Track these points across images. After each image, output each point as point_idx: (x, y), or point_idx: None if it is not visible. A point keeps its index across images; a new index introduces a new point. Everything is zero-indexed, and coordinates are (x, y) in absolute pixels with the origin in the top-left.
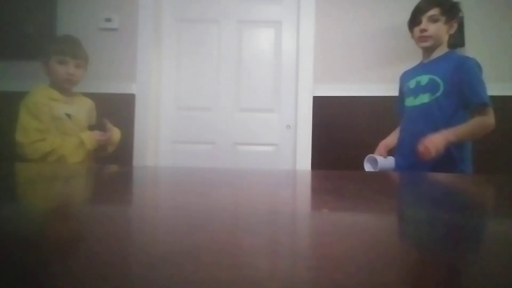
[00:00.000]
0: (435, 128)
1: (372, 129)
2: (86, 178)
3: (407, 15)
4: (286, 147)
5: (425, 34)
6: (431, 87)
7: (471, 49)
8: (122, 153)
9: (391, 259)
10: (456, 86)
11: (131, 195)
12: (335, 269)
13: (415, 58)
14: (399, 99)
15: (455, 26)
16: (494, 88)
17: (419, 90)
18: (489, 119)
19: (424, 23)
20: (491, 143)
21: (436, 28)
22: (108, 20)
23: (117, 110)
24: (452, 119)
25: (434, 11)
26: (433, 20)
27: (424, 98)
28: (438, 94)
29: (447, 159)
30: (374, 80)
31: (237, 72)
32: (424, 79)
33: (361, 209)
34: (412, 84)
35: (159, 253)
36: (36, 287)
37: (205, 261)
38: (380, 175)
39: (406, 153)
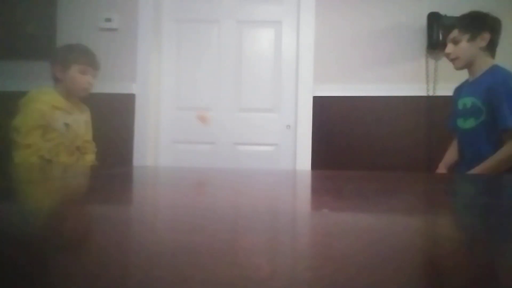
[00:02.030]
0: (480, 155)
1: (372, 129)
2: (86, 178)
3: (406, 15)
4: (286, 147)
5: (450, 57)
6: (475, 112)
7: None
8: (122, 153)
9: (391, 259)
10: (493, 110)
11: (131, 195)
12: (335, 269)
13: (414, 58)
14: (451, 116)
15: (486, 38)
16: None
17: (466, 113)
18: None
19: (448, 47)
20: None
21: (459, 49)
22: (108, 20)
23: (117, 110)
24: (498, 143)
25: (454, 33)
26: (455, 41)
27: (470, 123)
28: (482, 118)
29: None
30: (374, 80)
31: (237, 72)
32: (468, 102)
33: (361, 209)
34: (460, 105)
35: (159, 252)
36: (36, 287)
37: (205, 261)
38: (380, 176)
39: (462, 171)
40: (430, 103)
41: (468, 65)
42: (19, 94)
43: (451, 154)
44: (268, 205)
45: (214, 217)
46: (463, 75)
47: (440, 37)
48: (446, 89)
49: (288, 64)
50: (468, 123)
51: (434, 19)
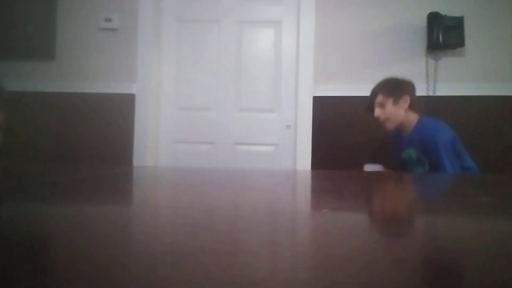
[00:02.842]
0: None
1: (372, 129)
2: (86, 178)
3: (406, 15)
4: (286, 147)
5: (380, 120)
6: (420, 162)
7: (471, 49)
8: (122, 153)
9: (391, 259)
10: (433, 160)
11: (131, 195)
12: (335, 269)
13: (414, 58)
14: (393, 155)
15: (407, 99)
16: (494, 88)
17: (413, 163)
18: None
19: (376, 110)
20: (491, 142)
21: (387, 111)
22: (108, 20)
23: (117, 110)
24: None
25: (379, 98)
26: (382, 105)
27: (420, 171)
28: (427, 167)
29: None
30: (374, 80)
31: (237, 72)
32: (412, 153)
33: (361, 209)
34: (406, 155)
35: (159, 253)
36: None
37: (205, 261)
38: (380, 176)
39: None
40: (430, 103)
41: (398, 124)
42: (19, 94)
43: None
44: (268, 205)
45: (214, 217)
46: (463, 75)
47: (440, 38)
48: (446, 89)
49: (288, 64)
50: (418, 171)
51: (434, 19)
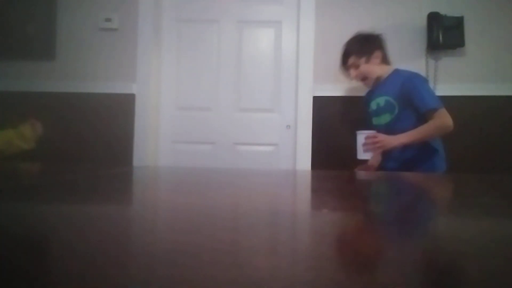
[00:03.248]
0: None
1: (371, 129)
2: (86, 178)
3: (406, 15)
4: (286, 147)
5: (358, 79)
6: (388, 108)
7: (471, 49)
8: (122, 153)
9: (391, 259)
10: (407, 100)
11: (131, 195)
12: (335, 269)
13: (414, 58)
14: (367, 119)
15: (379, 55)
16: (494, 88)
17: (380, 111)
18: (440, 121)
19: (351, 72)
20: (491, 142)
21: (362, 71)
22: (108, 20)
23: (117, 110)
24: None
25: (351, 59)
26: (355, 66)
27: (386, 118)
28: (396, 112)
29: (415, 160)
30: None
31: (237, 72)
32: (381, 100)
33: (360, 209)
34: (373, 105)
35: (159, 252)
36: (35, 287)
37: (206, 260)
38: (380, 176)
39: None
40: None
41: (375, 78)
42: (19, 94)
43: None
44: (268, 205)
45: (214, 217)
46: (463, 75)
47: (440, 38)
48: (446, 89)
49: (288, 64)
50: (383, 119)
51: (434, 19)
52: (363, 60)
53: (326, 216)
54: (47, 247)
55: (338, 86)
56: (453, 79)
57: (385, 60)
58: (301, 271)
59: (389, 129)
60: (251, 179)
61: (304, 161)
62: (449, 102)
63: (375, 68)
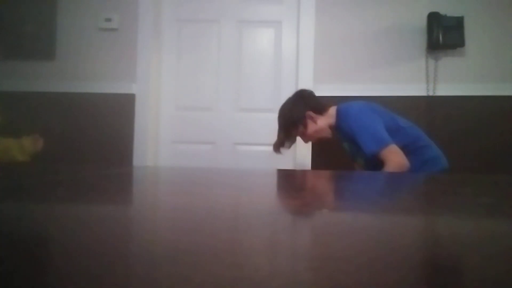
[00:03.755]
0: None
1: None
2: (86, 178)
3: (406, 15)
4: None
5: (316, 142)
6: (356, 151)
7: (471, 49)
8: (122, 153)
9: (391, 259)
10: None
11: (131, 195)
12: (335, 269)
13: (414, 58)
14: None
15: (310, 114)
16: (494, 88)
17: (354, 154)
18: (391, 164)
19: (286, 145)
20: (491, 142)
21: (308, 135)
22: (108, 20)
23: (117, 110)
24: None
25: (281, 136)
26: (301, 134)
27: (361, 161)
28: (365, 157)
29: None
30: (374, 80)
31: (237, 72)
32: (346, 146)
33: (361, 209)
34: (348, 148)
35: (159, 252)
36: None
37: (205, 260)
38: (380, 176)
39: None
40: (430, 103)
41: (322, 134)
42: (19, 94)
43: None
44: (268, 205)
45: (214, 217)
46: (463, 75)
47: (440, 38)
48: (446, 89)
49: (288, 64)
50: (360, 161)
51: (434, 19)
52: (300, 128)
53: (326, 216)
54: (46, 247)
55: (338, 86)
56: (453, 79)
57: (320, 112)
58: (301, 271)
59: (373, 163)
60: (251, 179)
61: (304, 161)
62: (449, 102)
63: (318, 126)
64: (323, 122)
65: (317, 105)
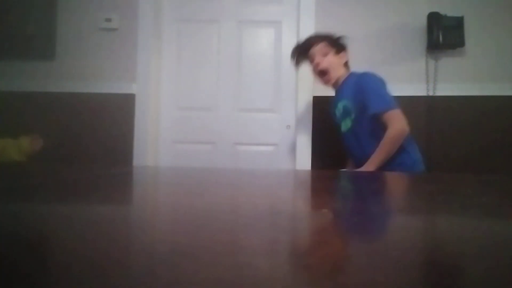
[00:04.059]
0: (363, 147)
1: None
2: (86, 178)
3: (406, 15)
4: (286, 147)
5: (321, 68)
6: (347, 112)
7: (471, 49)
8: (122, 153)
9: (391, 258)
10: (361, 102)
11: (131, 195)
12: (335, 269)
13: (414, 58)
14: (336, 129)
15: (345, 56)
16: (494, 88)
17: (341, 116)
18: (393, 127)
19: (317, 57)
20: (491, 142)
21: (330, 60)
22: (108, 20)
23: (117, 110)
24: (376, 132)
25: (321, 46)
26: (324, 54)
27: (348, 123)
28: (353, 116)
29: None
30: None
31: (237, 72)
32: (340, 106)
33: (360, 209)
34: (338, 111)
35: (159, 253)
36: (35, 287)
37: (205, 261)
38: (380, 176)
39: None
40: (430, 103)
41: (335, 77)
42: (19, 94)
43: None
44: (268, 205)
45: (214, 217)
46: (463, 75)
47: (440, 38)
48: (446, 89)
49: (288, 64)
50: (346, 125)
51: (434, 19)
52: (333, 50)
53: (326, 216)
54: (46, 247)
55: None
56: (453, 79)
57: (347, 66)
58: (301, 271)
59: (353, 135)
60: (251, 179)
61: (304, 161)
62: (449, 102)
63: (339, 66)
64: (341, 70)
65: (347, 60)
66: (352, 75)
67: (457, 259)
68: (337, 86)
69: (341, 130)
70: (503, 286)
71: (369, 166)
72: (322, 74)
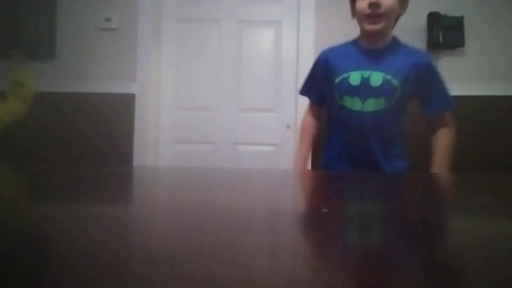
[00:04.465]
0: (386, 141)
1: None
2: (86, 178)
3: (406, 15)
4: (286, 147)
5: (379, 11)
6: (387, 91)
7: (471, 49)
8: (122, 153)
9: (391, 258)
10: (416, 90)
11: (131, 195)
12: (335, 269)
13: None
14: (314, 82)
15: (404, 10)
16: (494, 88)
17: (369, 91)
18: (453, 126)
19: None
20: (491, 142)
21: (393, 4)
22: (108, 20)
23: (117, 110)
24: (400, 128)
25: None
26: None
27: (378, 104)
28: (394, 99)
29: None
30: None
31: (237, 72)
32: (376, 78)
33: (360, 208)
34: (355, 79)
35: (159, 252)
36: (35, 287)
37: (206, 260)
38: (381, 177)
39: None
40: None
41: (384, 31)
42: None
43: (307, 145)
44: (268, 205)
45: (214, 217)
46: (463, 75)
47: (440, 37)
48: None
49: (288, 64)
50: (372, 105)
51: (434, 19)
52: None
53: (326, 216)
54: (48, 247)
55: None
56: (453, 78)
57: (394, 24)
58: (301, 271)
59: (375, 120)
60: (251, 179)
61: None
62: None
63: (394, 16)
64: (391, 26)
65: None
66: (401, 47)
67: (457, 258)
68: (376, 42)
69: (337, 103)
70: (503, 285)
71: (443, 168)
72: (375, 16)
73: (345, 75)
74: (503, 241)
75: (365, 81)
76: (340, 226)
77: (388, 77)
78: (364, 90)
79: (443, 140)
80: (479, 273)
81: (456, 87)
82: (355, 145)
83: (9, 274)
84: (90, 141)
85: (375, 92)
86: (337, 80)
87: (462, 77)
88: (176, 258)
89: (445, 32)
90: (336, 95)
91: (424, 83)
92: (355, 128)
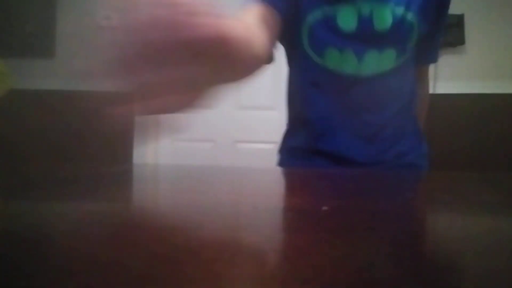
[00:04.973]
0: (396, 126)
1: None
2: (86, 176)
3: None
4: None
5: None
6: (399, 36)
7: (472, 47)
8: (122, 151)
9: (391, 257)
10: (430, 27)
11: (131, 193)
12: (335, 268)
13: None
14: (299, 49)
15: None
16: (494, 86)
17: (370, 40)
18: (428, 82)
19: None
20: (492, 140)
21: None
22: (107, 18)
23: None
24: (414, 98)
25: None
26: None
27: (385, 60)
28: (409, 50)
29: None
30: None
31: None
32: (382, 16)
33: (360, 207)
34: (346, 19)
35: (159, 251)
36: (34, 287)
37: (205, 259)
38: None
39: (341, 141)
40: (430, 101)
41: None
42: (18, 92)
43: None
44: (268, 203)
45: (214, 215)
46: (463, 73)
47: None
48: (446, 87)
49: None
50: (380, 61)
51: None
52: None
53: (326, 215)
54: (45, 245)
55: None
56: (453, 76)
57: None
58: (301, 269)
59: (381, 91)
60: (251, 177)
61: None
62: (450, 100)
63: None
64: None
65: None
66: None
67: (457, 257)
68: None
69: (314, 63)
70: (503, 285)
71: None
72: None
73: (328, 11)
74: (503, 241)
75: (364, 23)
76: (340, 224)
77: (400, 10)
78: (363, 37)
79: (422, 103)
80: (479, 273)
81: (457, 85)
82: (338, 135)
83: (8, 275)
84: (90, 139)
85: (381, 40)
86: (310, 20)
87: (463, 75)
88: (175, 256)
89: (445, 30)
90: (308, 47)
91: (437, 18)
92: (343, 106)
